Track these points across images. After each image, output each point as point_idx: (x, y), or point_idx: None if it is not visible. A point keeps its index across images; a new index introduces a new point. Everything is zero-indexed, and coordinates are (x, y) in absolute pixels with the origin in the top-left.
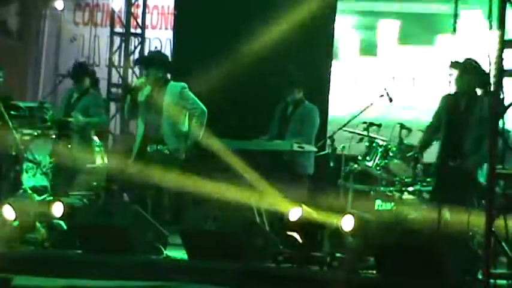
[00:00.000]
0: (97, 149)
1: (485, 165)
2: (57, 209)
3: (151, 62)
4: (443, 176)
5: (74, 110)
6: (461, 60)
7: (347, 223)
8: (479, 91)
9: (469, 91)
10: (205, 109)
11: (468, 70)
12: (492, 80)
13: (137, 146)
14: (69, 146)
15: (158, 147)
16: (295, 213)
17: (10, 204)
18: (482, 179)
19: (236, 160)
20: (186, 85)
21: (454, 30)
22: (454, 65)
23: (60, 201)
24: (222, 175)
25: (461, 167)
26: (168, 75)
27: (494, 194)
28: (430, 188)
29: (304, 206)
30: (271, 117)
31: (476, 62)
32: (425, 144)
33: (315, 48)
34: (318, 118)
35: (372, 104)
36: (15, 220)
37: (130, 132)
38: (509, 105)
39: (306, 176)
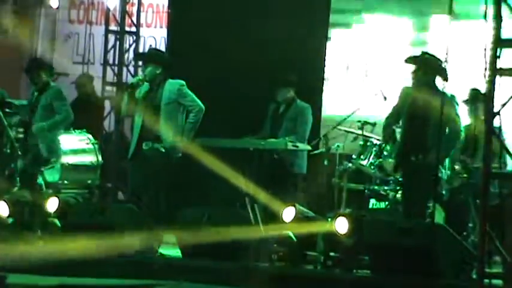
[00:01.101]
0: (91, 146)
1: (447, 160)
2: (52, 204)
3: (150, 58)
4: (407, 172)
5: (36, 110)
6: (416, 54)
7: (341, 225)
8: (440, 83)
9: (427, 83)
10: (203, 107)
11: (424, 63)
12: (487, 78)
13: (133, 143)
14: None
15: (154, 145)
16: (288, 213)
17: (5, 201)
18: (442, 174)
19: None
20: (184, 83)
21: (450, 12)
22: (409, 60)
23: (56, 196)
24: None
25: (424, 163)
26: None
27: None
28: None
29: (297, 205)
30: (264, 117)
31: (430, 54)
32: (388, 137)
33: (309, 46)
34: (310, 116)
35: (366, 103)
36: (9, 217)
37: (124, 131)
38: (504, 104)
39: (300, 175)
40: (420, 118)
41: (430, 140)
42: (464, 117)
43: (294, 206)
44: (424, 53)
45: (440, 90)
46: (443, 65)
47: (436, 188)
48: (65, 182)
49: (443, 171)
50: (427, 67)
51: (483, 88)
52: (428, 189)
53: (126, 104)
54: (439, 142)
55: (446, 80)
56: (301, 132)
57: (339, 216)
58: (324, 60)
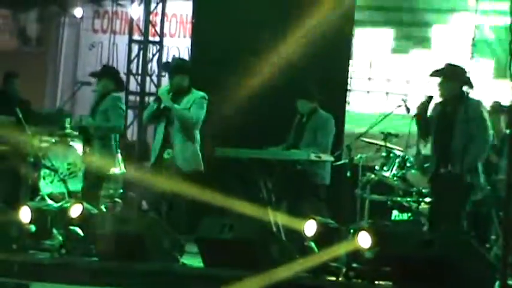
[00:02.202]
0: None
1: (480, 166)
2: (75, 211)
3: (177, 69)
4: (436, 184)
5: (95, 114)
6: (440, 67)
7: (363, 240)
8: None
9: (453, 95)
10: (198, 124)
11: (449, 74)
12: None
13: (155, 153)
14: (90, 151)
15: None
16: (310, 227)
17: (29, 207)
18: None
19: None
20: (206, 96)
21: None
22: (434, 73)
23: (80, 203)
24: (238, 184)
25: (451, 173)
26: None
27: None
28: None
29: (318, 218)
30: (288, 128)
31: (454, 64)
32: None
33: (332, 57)
34: (333, 127)
35: (389, 114)
36: (30, 223)
37: (147, 140)
38: None
39: (323, 185)
40: (448, 129)
41: (457, 150)
42: None
43: (314, 219)
44: (448, 64)
45: (470, 99)
46: (467, 74)
47: (467, 197)
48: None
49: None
50: (453, 77)
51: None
52: (460, 200)
53: (151, 113)
54: (465, 152)
55: (472, 88)
56: (323, 142)
57: (361, 230)
58: (348, 72)
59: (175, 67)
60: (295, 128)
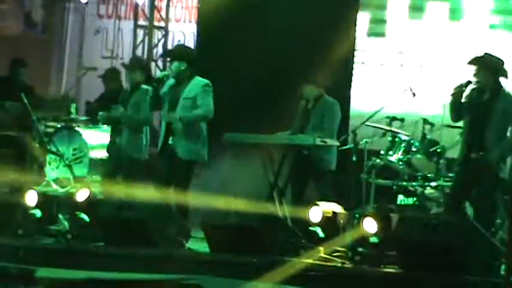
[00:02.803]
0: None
1: (509, 160)
2: (81, 196)
3: (175, 54)
4: (465, 169)
5: (127, 105)
6: (479, 55)
7: (369, 225)
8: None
9: (489, 84)
10: (211, 115)
11: (485, 64)
12: None
13: (161, 139)
14: (119, 139)
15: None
16: (315, 213)
17: (35, 191)
18: (504, 173)
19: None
20: (210, 83)
21: None
22: (472, 61)
23: (87, 188)
24: (242, 170)
25: (483, 160)
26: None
27: None
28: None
29: (323, 203)
30: (294, 114)
31: (491, 54)
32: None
33: (337, 42)
34: (339, 112)
35: (395, 99)
36: (36, 208)
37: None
38: None
39: (329, 170)
40: (482, 117)
41: (491, 139)
42: None
43: (319, 205)
44: (485, 54)
45: (506, 90)
46: (503, 65)
47: (496, 186)
48: (93, 176)
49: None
50: (489, 67)
51: None
52: (490, 186)
53: (150, 98)
54: (499, 141)
55: (507, 78)
56: (329, 128)
57: (367, 215)
58: (353, 56)
59: (173, 53)
60: (301, 113)
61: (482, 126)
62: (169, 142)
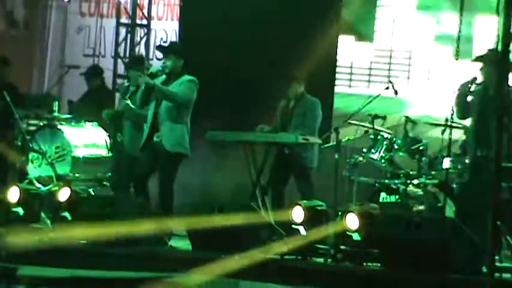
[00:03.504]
0: (102, 139)
1: None
2: (64, 195)
3: (173, 50)
4: (473, 167)
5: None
6: (483, 53)
7: (351, 222)
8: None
9: (494, 81)
10: (183, 99)
11: (491, 62)
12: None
13: (145, 135)
14: (121, 136)
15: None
16: (297, 213)
17: (18, 187)
18: None
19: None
20: (196, 80)
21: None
22: (477, 59)
23: (68, 186)
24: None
25: (488, 156)
26: None
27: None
28: (435, 181)
29: (305, 202)
30: (275, 112)
31: (496, 50)
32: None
33: (320, 40)
34: (320, 111)
35: (377, 96)
36: (18, 205)
37: None
38: None
39: (311, 168)
40: (488, 113)
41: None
42: None
43: (301, 204)
44: (490, 50)
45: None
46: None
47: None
48: (76, 175)
49: None
50: (493, 64)
51: None
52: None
53: (142, 93)
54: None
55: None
56: (310, 126)
57: (349, 212)
58: (336, 54)
59: (170, 48)
60: (282, 111)
61: (487, 122)
62: (154, 139)
